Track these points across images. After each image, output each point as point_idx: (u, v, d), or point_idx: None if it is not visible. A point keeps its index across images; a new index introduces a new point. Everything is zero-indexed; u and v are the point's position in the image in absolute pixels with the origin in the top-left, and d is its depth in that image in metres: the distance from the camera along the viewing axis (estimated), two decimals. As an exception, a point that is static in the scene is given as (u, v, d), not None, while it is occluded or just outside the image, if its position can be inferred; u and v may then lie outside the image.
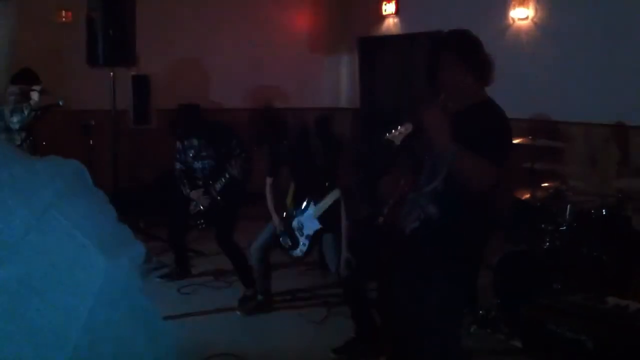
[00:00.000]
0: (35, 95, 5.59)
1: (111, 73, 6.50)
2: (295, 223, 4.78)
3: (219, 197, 5.20)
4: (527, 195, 4.86)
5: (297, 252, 4.81)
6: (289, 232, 4.79)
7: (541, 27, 6.83)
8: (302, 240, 4.76)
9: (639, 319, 2.82)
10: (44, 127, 6.29)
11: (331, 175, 4.67)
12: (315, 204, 4.67)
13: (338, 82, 9.71)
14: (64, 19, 7.58)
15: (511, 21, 7.09)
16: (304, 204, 4.74)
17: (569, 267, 4.22)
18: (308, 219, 4.71)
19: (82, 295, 0.57)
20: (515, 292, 4.22)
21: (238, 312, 4.90)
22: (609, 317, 2.89)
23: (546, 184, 4.93)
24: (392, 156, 3.59)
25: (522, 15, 6.97)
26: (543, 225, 4.54)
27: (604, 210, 4.24)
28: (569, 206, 4.44)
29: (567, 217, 4.42)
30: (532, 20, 6.92)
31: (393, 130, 2.95)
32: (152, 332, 0.63)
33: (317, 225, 4.66)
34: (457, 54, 2.96)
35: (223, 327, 4.69)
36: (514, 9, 7.04)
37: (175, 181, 5.50)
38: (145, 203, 6.80)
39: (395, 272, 3.19)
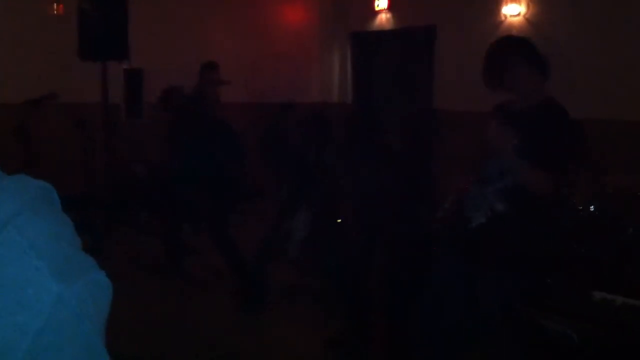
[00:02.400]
0: None
1: (102, 67, 6.48)
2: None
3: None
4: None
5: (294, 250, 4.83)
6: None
7: (533, 23, 6.85)
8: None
9: (626, 313, 2.85)
10: (37, 120, 6.29)
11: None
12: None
13: (330, 78, 9.71)
14: (55, 12, 7.55)
15: (503, 17, 7.11)
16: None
17: (558, 263, 4.24)
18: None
19: (31, 314, 0.55)
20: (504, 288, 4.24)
21: (233, 309, 4.90)
22: (596, 312, 2.92)
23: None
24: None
25: (514, 12, 6.99)
26: (537, 220, 4.55)
27: (592, 207, 4.27)
28: (561, 202, 4.46)
29: (559, 213, 4.44)
30: (524, 16, 6.93)
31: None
32: None
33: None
34: (521, 55, 3.10)
35: (216, 324, 4.69)
36: (506, 5, 7.05)
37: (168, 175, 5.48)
38: (140, 197, 6.79)
39: (447, 267, 3.19)
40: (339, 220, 4.25)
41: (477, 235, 2.92)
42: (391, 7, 8.60)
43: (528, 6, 6.89)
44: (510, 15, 7.01)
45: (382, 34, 8.81)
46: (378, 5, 8.71)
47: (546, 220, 2.93)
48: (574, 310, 3.04)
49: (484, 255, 2.95)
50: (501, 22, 7.13)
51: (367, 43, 9.11)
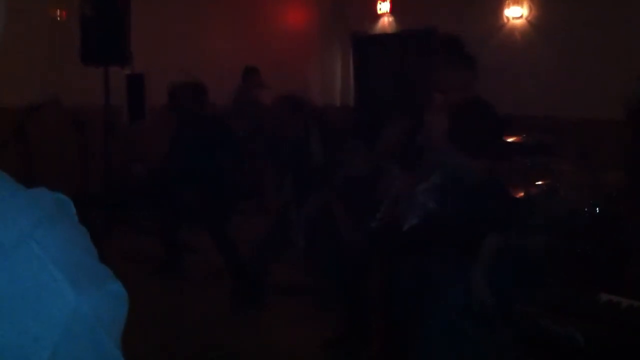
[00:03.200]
0: None
1: (104, 71, 6.47)
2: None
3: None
4: (520, 192, 4.87)
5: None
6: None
7: (535, 25, 6.85)
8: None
9: (631, 315, 2.83)
10: (38, 125, 6.29)
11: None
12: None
13: (332, 81, 9.71)
14: (58, 17, 7.57)
15: (505, 20, 7.11)
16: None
17: (561, 264, 4.22)
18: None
19: (49, 326, 0.56)
20: (508, 288, 4.22)
21: (230, 307, 4.90)
22: (601, 314, 2.91)
23: (539, 180, 4.94)
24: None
25: (516, 14, 6.99)
26: (535, 221, 4.55)
27: (596, 207, 4.25)
28: (561, 202, 4.45)
29: (560, 213, 4.43)
30: (526, 19, 6.94)
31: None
32: None
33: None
34: (449, 53, 3.15)
35: (215, 324, 4.68)
36: (509, 7, 7.05)
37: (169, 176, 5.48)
38: (140, 199, 6.79)
39: (395, 269, 3.20)
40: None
41: (413, 237, 2.95)
42: (393, 10, 8.60)
43: (530, 8, 6.89)
44: (513, 18, 7.02)
45: (384, 37, 8.81)
46: (380, 9, 8.72)
47: (474, 216, 2.96)
48: (580, 312, 3.02)
49: (424, 252, 2.97)
50: (503, 24, 7.13)
51: (369, 46, 9.12)
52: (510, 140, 4.77)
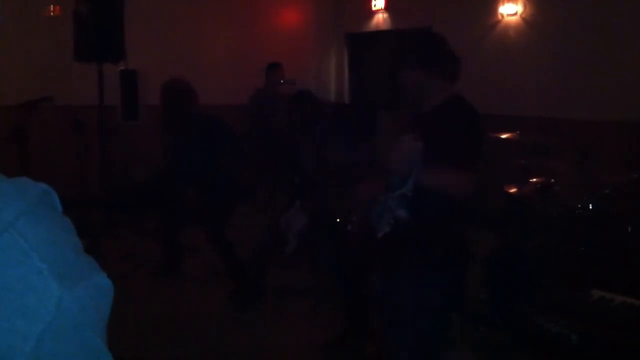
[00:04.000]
0: None
1: (98, 68, 6.45)
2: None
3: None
4: (516, 191, 4.88)
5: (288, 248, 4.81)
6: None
7: (530, 23, 6.85)
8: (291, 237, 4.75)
9: (624, 312, 2.84)
10: (32, 122, 6.27)
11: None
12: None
13: (327, 78, 9.71)
14: (52, 13, 7.54)
15: (500, 17, 7.11)
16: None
17: (557, 262, 4.24)
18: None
19: (32, 320, 0.55)
20: (505, 288, 4.24)
21: (228, 308, 4.89)
22: (594, 311, 2.91)
23: (535, 180, 4.95)
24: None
25: (511, 11, 6.99)
26: (532, 221, 4.56)
27: (591, 205, 4.27)
28: (557, 201, 4.47)
29: (556, 212, 4.45)
30: (520, 16, 6.94)
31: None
32: None
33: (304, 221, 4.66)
34: (415, 55, 2.86)
35: (213, 324, 4.68)
36: (503, 5, 7.05)
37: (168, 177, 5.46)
38: (139, 200, 6.78)
39: (369, 276, 3.16)
40: (338, 220, 4.22)
41: (387, 242, 2.80)
42: (388, 7, 8.60)
43: (525, 6, 6.89)
44: (507, 15, 7.02)
45: (378, 34, 8.81)
46: (375, 6, 8.71)
47: (446, 224, 2.77)
48: (573, 309, 3.03)
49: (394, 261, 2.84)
50: (498, 21, 7.13)
51: (363, 43, 9.11)
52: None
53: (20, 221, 0.58)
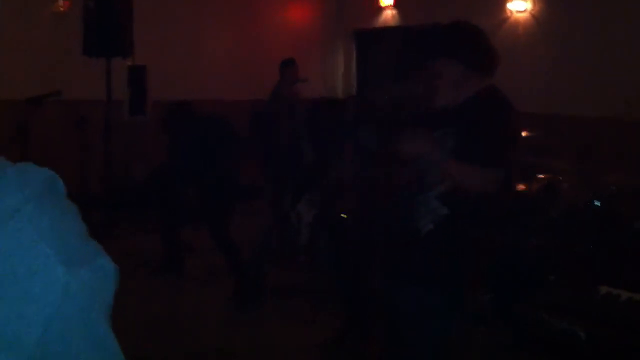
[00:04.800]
0: None
1: (106, 63, 6.46)
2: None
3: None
4: (521, 189, 4.87)
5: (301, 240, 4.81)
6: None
7: (539, 19, 6.82)
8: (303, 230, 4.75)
9: (630, 308, 2.83)
10: (39, 117, 6.28)
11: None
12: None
13: (334, 74, 9.69)
14: (61, 8, 7.55)
15: (509, 14, 7.08)
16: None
17: (561, 260, 4.22)
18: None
19: (40, 305, 0.56)
20: (508, 286, 4.22)
21: (228, 307, 4.89)
22: (601, 307, 2.90)
23: (540, 177, 4.93)
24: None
25: (520, 8, 6.97)
26: (535, 218, 4.54)
27: (596, 203, 4.25)
28: (561, 199, 4.45)
29: (560, 210, 4.43)
30: (530, 12, 6.91)
31: None
32: (105, 354, 0.61)
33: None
34: (447, 48, 2.78)
35: (213, 323, 4.68)
36: (512, 1, 7.03)
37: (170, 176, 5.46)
38: (140, 199, 6.79)
39: (397, 272, 3.12)
40: (343, 216, 4.21)
41: (428, 242, 2.76)
42: (396, 3, 8.57)
43: (534, 2, 6.86)
44: (516, 12, 6.99)
45: (387, 30, 8.79)
46: (383, 2, 8.69)
47: (486, 219, 2.76)
48: (580, 306, 3.02)
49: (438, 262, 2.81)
50: (507, 18, 7.10)
51: (371, 40, 9.09)
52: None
53: (27, 207, 0.58)
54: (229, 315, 4.82)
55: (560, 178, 4.81)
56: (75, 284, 0.58)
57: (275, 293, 5.14)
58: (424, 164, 2.70)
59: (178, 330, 4.50)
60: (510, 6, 7.04)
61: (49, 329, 0.56)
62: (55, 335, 0.56)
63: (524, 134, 5.10)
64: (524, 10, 6.93)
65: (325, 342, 4.21)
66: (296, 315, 4.78)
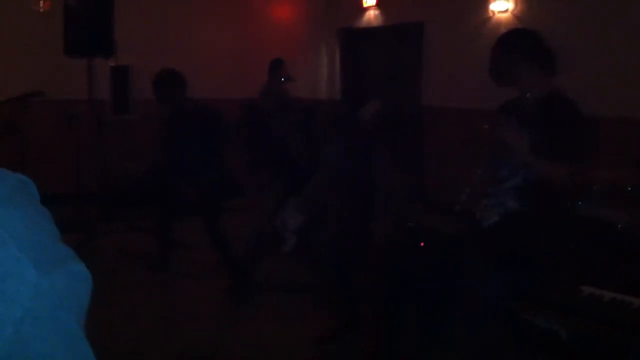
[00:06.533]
0: None
1: (88, 63, 6.41)
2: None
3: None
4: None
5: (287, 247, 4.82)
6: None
7: (521, 20, 6.87)
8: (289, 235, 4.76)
9: (614, 308, 2.86)
10: (24, 117, 6.24)
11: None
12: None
13: (318, 74, 9.70)
14: (41, 8, 7.48)
15: (491, 14, 7.13)
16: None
17: (546, 259, 4.25)
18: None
19: (10, 306, 0.56)
20: (495, 283, 4.25)
21: (222, 303, 4.90)
22: (583, 307, 2.93)
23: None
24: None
25: (502, 8, 7.01)
26: (522, 217, 4.58)
27: (579, 202, 4.28)
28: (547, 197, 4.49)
29: (544, 207, 4.46)
30: (512, 13, 6.95)
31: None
32: (77, 355, 0.62)
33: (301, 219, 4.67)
34: (519, 52, 3.11)
35: (206, 319, 4.68)
36: (494, 1, 7.07)
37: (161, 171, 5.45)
38: (132, 195, 6.76)
39: (463, 261, 3.18)
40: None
41: (492, 234, 2.90)
42: (379, 3, 8.60)
43: (516, 2, 6.91)
44: (498, 12, 7.03)
45: (370, 30, 8.81)
46: (366, 2, 8.71)
47: (565, 216, 2.94)
48: (563, 306, 3.04)
49: (500, 254, 2.93)
50: (489, 18, 7.14)
51: (355, 39, 9.11)
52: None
53: None
54: (222, 311, 4.83)
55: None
56: (46, 285, 0.58)
57: (268, 289, 5.15)
58: (501, 157, 2.82)
59: (171, 326, 4.50)
60: (492, 6, 7.08)
61: (20, 330, 0.56)
62: (27, 336, 0.56)
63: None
64: (506, 11, 6.97)
65: (319, 337, 4.23)
66: (291, 311, 4.80)
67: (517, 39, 3.23)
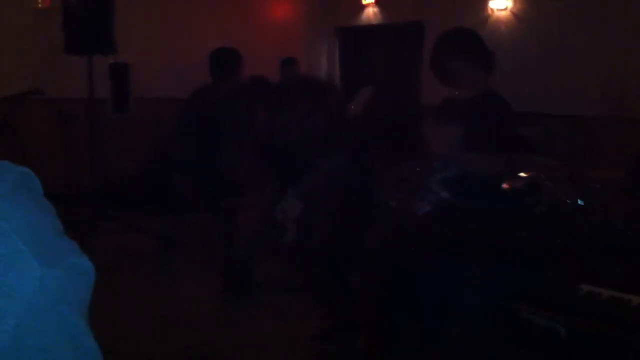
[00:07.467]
0: None
1: (88, 61, 6.41)
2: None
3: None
4: (504, 186, 4.90)
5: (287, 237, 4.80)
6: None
7: (520, 18, 6.88)
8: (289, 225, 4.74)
9: (612, 306, 2.87)
10: (22, 115, 6.23)
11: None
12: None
13: (318, 72, 9.69)
14: (40, 5, 7.48)
15: (490, 12, 7.13)
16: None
17: (544, 257, 4.26)
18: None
19: (13, 298, 0.56)
20: (491, 281, 4.26)
21: (220, 302, 4.90)
22: (582, 305, 2.94)
23: (523, 175, 4.97)
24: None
25: (501, 6, 7.02)
26: (519, 215, 4.58)
27: (579, 201, 4.29)
28: (545, 196, 4.49)
29: (543, 207, 4.47)
30: (510, 11, 6.96)
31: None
32: (79, 349, 0.62)
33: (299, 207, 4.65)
34: (458, 49, 3.21)
35: (203, 317, 4.69)
36: (493, -1, 7.08)
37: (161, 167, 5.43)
38: (131, 193, 6.77)
39: (406, 255, 3.26)
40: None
41: (426, 224, 3.02)
42: (378, 1, 8.59)
43: (515, 0, 6.91)
44: (497, 10, 7.04)
45: (369, 28, 8.80)
46: (365, 0, 8.70)
47: (485, 204, 3.05)
48: (561, 304, 3.06)
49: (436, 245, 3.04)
50: (488, 16, 7.15)
51: (354, 37, 9.11)
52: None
53: (1, 203, 0.58)
54: (222, 310, 4.84)
55: (543, 176, 4.85)
56: (49, 278, 0.58)
57: (266, 288, 5.15)
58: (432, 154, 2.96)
59: (171, 325, 4.50)
60: (491, 4, 7.09)
61: (22, 323, 0.56)
62: (28, 329, 0.57)
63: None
64: (505, 9, 6.98)
65: (316, 336, 4.24)
66: (286, 310, 4.80)
67: (455, 38, 3.32)
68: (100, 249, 5.81)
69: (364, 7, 8.77)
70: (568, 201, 4.33)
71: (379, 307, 4.00)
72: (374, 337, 4.03)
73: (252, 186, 4.95)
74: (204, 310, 4.81)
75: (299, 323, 4.55)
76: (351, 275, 4.31)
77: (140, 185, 6.42)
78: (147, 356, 4.05)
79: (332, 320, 4.30)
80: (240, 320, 4.69)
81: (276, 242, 4.86)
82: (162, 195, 5.46)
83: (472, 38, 3.27)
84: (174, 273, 5.55)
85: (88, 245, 5.67)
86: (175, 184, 5.25)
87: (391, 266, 3.63)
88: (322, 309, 4.44)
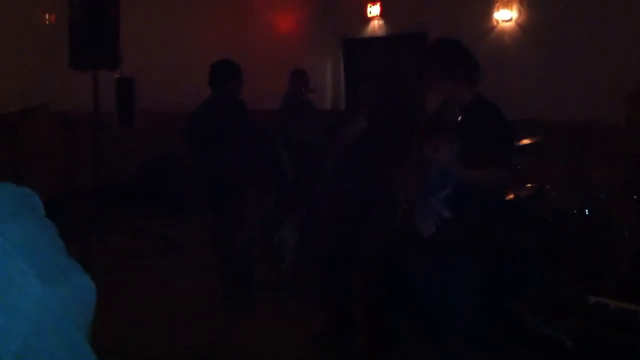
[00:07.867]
0: None
1: (92, 77, 6.43)
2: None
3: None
4: (510, 194, 4.89)
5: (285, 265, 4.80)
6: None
7: (525, 29, 6.87)
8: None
9: (619, 317, 2.83)
10: (28, 130, 6.26)
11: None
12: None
13: (322, 84, 9.70)
14: (47, 21, 7.53)
15: (495, 23, 7.13)
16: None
17: (550, 265, 4.23)
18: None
19: (17, 318, 0.56)
20: (497, 290, 4.23)
21: (220, 304, 4.89)
22: (589, 316, 2.91)
23: (529, 184, 4.95)
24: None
25: (506, 17, 7.01)
26: (525, 223, 4.56)
27: (585, 209, 4.27)
28: (550, 206, 4.47)
29: (549, 214, 4.45)
30: (515, 22, 6.96)
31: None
32: None
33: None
34: (439, 61, 3.13)
35: (205, 319, 4.68)
36: (498, 10, 7.07)
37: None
38: (132, 197, 6.78)
39: (413, 273, 3.23)
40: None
41: (430, 243, 2.97)
42: (383, 13, 8.61)
43: (520, 11, 6.91)
44: (502, 21, 7.03)
45: (374, 40, 8.82)
46: (370, 12, 8.72)
47: (488, 221, 2.99)
48: (569, 314, 3.03)
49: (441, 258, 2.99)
50: (493, 27, 7.15)
51: (359, 49, 9.12)
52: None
53: (3, 225, 0.58)
54: (222, 310, 4.83)
55: (548, 187, 4.83)
56: (52, 298, 0.58)
57: (266, 289, 5.14)
58: (432, 170, 2.90)
59: (171, 325, 4.50)
60: (496, 16, 7.09)
61: (27, 342, 0.56)
62: (33, 348, 0.56)
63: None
64: (510, 20, 6.98)
65: (316, 336, 4.23)
66: (287, 310, 4.81)
67: (433, 49, 3.27)
68: (100, 249, 5.82)
69: (369, 19, 8.79)
70: (574, 211, 4.31)
71: (379, 307, 3.99)
72: (374, 337, 4.01)
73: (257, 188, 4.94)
74: (204, 310, 4.79)
75: (299, 323, 4.53)
76: (351, 275, 4.30)
77: (141, 185, 6.43)
78: (147, 356, 4.05)
79: (332, 320, 4.28)
80: (240, 320, 4.68)
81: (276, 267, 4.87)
82: (163, 196, 5.47)
83: (449, 49, 3.19)
84: (174, 273, 5.54)
85: (91, 246, 5.68)
86: (177, 186, 5.25)
87: (391, 266, 3.62)
88: (322, 309, 4.42)
